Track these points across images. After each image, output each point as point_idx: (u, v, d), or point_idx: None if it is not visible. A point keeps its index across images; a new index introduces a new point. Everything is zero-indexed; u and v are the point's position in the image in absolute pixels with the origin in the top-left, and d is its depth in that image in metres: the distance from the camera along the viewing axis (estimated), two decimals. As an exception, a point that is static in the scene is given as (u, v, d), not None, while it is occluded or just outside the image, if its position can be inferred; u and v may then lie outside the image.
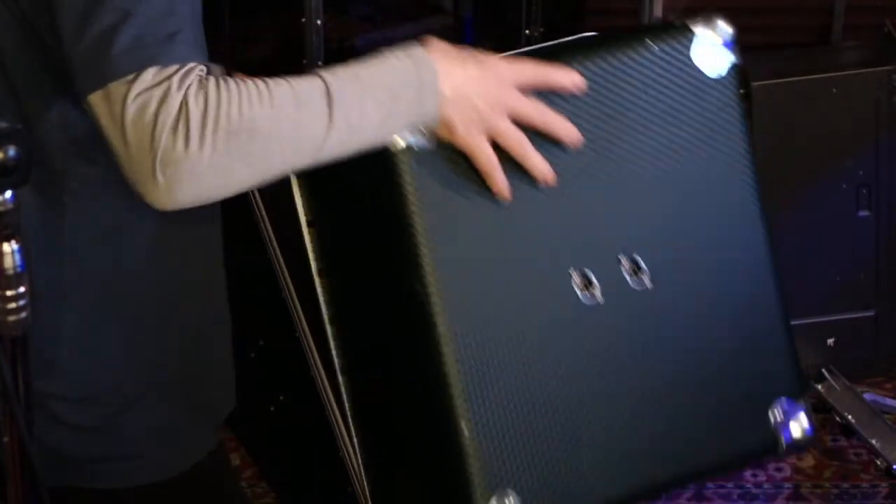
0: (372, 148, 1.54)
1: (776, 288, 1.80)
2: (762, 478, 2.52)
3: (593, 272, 1.71)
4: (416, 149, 1.60)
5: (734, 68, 1.72)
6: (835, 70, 2.57)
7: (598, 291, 1.71)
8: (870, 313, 2.67)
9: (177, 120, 1.37)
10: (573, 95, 1.64)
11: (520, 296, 1.68)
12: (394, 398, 1.84)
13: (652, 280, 1.72)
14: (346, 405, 1.88)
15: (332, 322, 1.86)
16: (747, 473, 2.53)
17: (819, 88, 2.55)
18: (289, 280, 2.03)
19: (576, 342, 1.71)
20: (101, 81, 1.38)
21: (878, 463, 2.52)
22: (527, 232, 1.68)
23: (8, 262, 1.34)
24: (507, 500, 1.69)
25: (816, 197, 2.60)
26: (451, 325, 1.67)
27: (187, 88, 1.37)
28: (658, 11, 2.58)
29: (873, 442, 2.53)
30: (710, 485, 2.50)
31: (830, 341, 2.67)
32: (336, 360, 1.88)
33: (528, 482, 1.71)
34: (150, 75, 1.37)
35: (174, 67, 1.39)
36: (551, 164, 1.65)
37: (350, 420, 1.89)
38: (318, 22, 2.62)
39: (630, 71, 1.68)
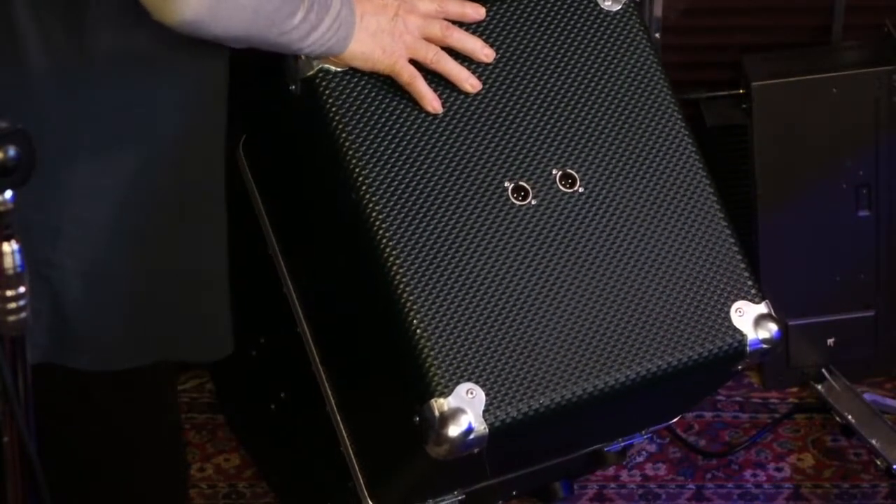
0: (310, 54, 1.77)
1: (716, 200, 1.93)
2: (762, 478, 2.52)
3: (528, 184, 1.85)
4: (333, 72, 1.81)
5: (631, 3, 1.98)
6: (835, 70, 2.57)
7: (532, 199, 1.85)
8: (870, 313, 2.67)
9: None
10: (493, 33, 1.90)
11: (455, 202, 1.81)
12: (351, 320, 1.93)
13: (585, 187, 1.87)
14: (314, 351, 1.97)
15: (290, 273, 2.00)
16: (747, 473, 2.53)
17: (819, 88, 2.55)
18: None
19: (514, 242, 1.82)
20: None
21: (878, 463, 2.52)
22: (457, 147, 1.84)
23: (8, 262, 1.35)
24: (469, 393, 1.74)
25: (816, 197, 2.60)
26: (388, 228, 1.78)
27: None
28: (658, 11, 2.58)
29: (873, 442, 2.53)
30: (710, 485, 2.50)
31: (830, 341, 2.67)
32: (300, 310, 1.99)
33: (489, 377, 1.76)
34: None
35: None
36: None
37: (319, 365, 1.96)
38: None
39: (540, 9, 1.93)
